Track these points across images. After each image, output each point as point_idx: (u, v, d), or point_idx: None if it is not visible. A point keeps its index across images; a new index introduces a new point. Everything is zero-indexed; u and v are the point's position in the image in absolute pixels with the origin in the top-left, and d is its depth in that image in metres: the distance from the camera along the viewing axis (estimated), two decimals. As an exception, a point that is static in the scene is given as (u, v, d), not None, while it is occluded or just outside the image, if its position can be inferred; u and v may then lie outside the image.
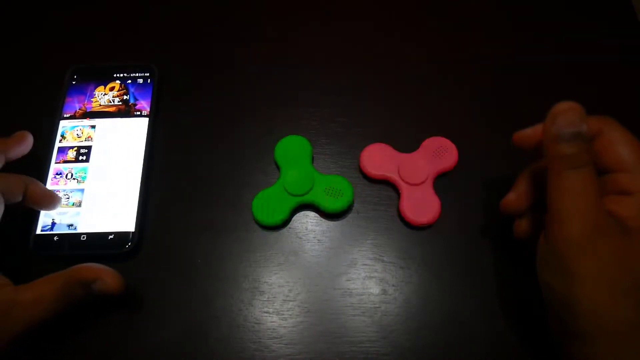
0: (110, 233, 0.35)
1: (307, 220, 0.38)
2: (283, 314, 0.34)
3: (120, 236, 0.35)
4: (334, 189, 0.37)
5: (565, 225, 0.21)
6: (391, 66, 0.44)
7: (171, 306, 0.34)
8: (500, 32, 0.46)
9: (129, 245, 0.35)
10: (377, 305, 0.35)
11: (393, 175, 0.38)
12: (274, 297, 0.35)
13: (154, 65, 0.42)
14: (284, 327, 0.34)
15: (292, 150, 0.38)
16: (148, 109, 0.40)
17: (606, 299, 0.20)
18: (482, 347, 0.34)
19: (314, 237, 0.37)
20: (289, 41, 0.45)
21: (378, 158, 0.38)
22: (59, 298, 0.29)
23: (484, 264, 0.36)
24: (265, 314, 0.34)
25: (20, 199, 0.33)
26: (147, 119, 0.40)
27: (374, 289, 0.35)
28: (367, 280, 0.36)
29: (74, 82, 0.41)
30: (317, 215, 0.38)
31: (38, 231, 0.36)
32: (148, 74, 0.41)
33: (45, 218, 0.36)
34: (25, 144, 0.35)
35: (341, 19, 0.46)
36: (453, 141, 0.39)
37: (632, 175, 0.22)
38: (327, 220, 0.38)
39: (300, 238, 0.37)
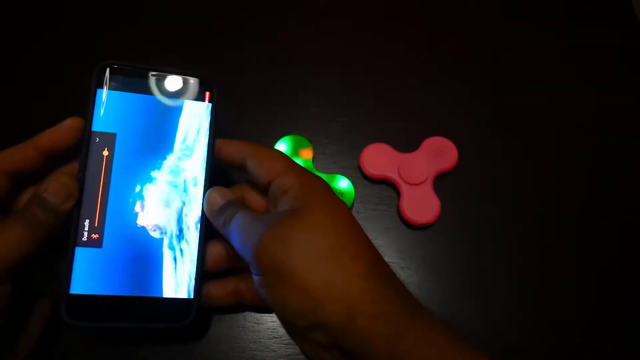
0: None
1: (307, 220, 0.38)
2: (283, 314, 0.34)
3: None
4: (334, 189, 0.37)
5: (251, 255, 0.26)
6: (391, 66, 0.44)
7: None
8: (500, 32, 0.46)
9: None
10: (377, 305, 0.35)
11: (393, 175, 0.38)
12: (274, 297, 0.35)
13: (213, 79, 0.31)
14: (284, 327, 0.34)
15: (292, 150, 0.38)
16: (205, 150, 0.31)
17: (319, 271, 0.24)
18: (482, 347, 0.34)
19: (314, 237, 0.37)
20: (289, 41, 0.45)
21: (378, 158, 0.38)
22: None
23: (484, 264, 0.36)
24: (266, 314, 0.34)
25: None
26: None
27: (374, 289, 0.35)
28: (367, 280, 0.35)
29: (107, 88, 0.29)
30: (317, 215, 0.38)
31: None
32: (207, 90, 0.31)
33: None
34: (60, 132, 0.28)
35: (341, 19, 0.46)
36: (453, 141, 0.39)
37: (284, 178, 0.28)
38: (327, 220, 0.38)
39: (300, 238, 0.37)
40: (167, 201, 0.30)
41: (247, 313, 0.34)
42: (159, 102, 0.30)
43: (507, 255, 0.37)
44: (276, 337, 0.33)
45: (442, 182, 0.39)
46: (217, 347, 0.33)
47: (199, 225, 0.30)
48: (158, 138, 0.30)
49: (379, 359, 0.23)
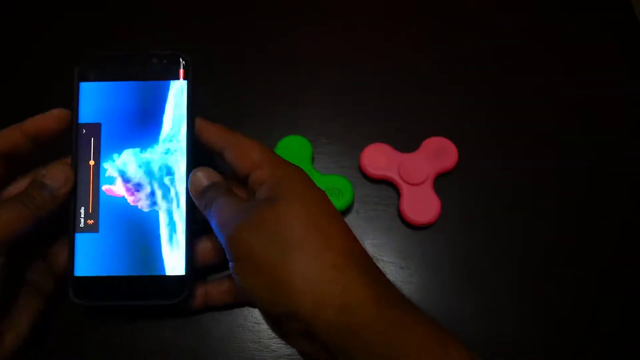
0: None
1: (307, 220, 0.38)
2: (283, 314, 0.34)
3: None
4: (334, 188, 0.37)
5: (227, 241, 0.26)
6: (391, 66, 0.44)
7: (171, 305, 0.34)
8: (499, 32, 0.46)
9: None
10: (377, 305, 0.35)
11: (393, 175, 0.38)
12: (274, 297, 0.35)
13: (187, 57, 0.32)
14: (284, 327, 0.34)
15: (292, 150, 0.38)
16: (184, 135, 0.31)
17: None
18: (482, 347, 0.34)
19: (314, 237, 0.37)
20: (289, 41, 0.45)
21: (378, 158, 0.38)
22: None
23: (484, 264, 0.36)
24: (265, 314, 0.34)
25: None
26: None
27: (374, 289, 0.35)
28: (367, 280, 0.35)
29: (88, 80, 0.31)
30: (317, 215, 0.38)
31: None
32: (180, 69, 0.32)
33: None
34: (46, 119, 0.30)
35: (341, 19, 0.46)
36: (453, 141, 0.39)
37: (263, 170, 0.28)
38: (327, 220, 0.38)
39: (300, 238, 0.37)
40: (154, 183, 0.31)
41: (247, 313, 0.34)
42: (138, 87, 0.31)
43: (507, 255, 0.37)
44: (276, 337, 0.33)
45: (442, 182, 0.39)
46: (217, 347, 0.33)
47: (185, 205, 0.31)
48: (140, 122, 0.31)
49: (350, 350, 0.23)
